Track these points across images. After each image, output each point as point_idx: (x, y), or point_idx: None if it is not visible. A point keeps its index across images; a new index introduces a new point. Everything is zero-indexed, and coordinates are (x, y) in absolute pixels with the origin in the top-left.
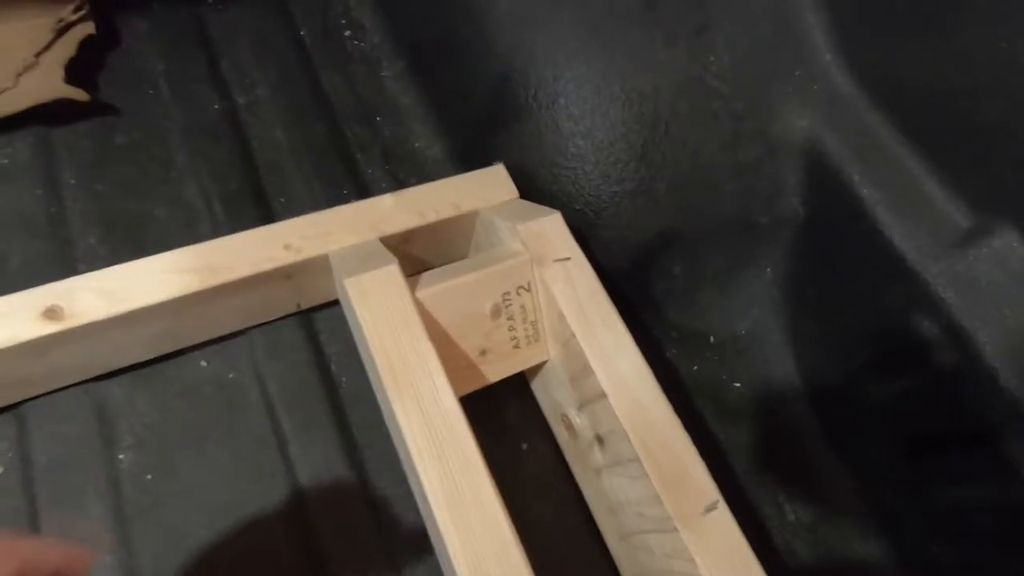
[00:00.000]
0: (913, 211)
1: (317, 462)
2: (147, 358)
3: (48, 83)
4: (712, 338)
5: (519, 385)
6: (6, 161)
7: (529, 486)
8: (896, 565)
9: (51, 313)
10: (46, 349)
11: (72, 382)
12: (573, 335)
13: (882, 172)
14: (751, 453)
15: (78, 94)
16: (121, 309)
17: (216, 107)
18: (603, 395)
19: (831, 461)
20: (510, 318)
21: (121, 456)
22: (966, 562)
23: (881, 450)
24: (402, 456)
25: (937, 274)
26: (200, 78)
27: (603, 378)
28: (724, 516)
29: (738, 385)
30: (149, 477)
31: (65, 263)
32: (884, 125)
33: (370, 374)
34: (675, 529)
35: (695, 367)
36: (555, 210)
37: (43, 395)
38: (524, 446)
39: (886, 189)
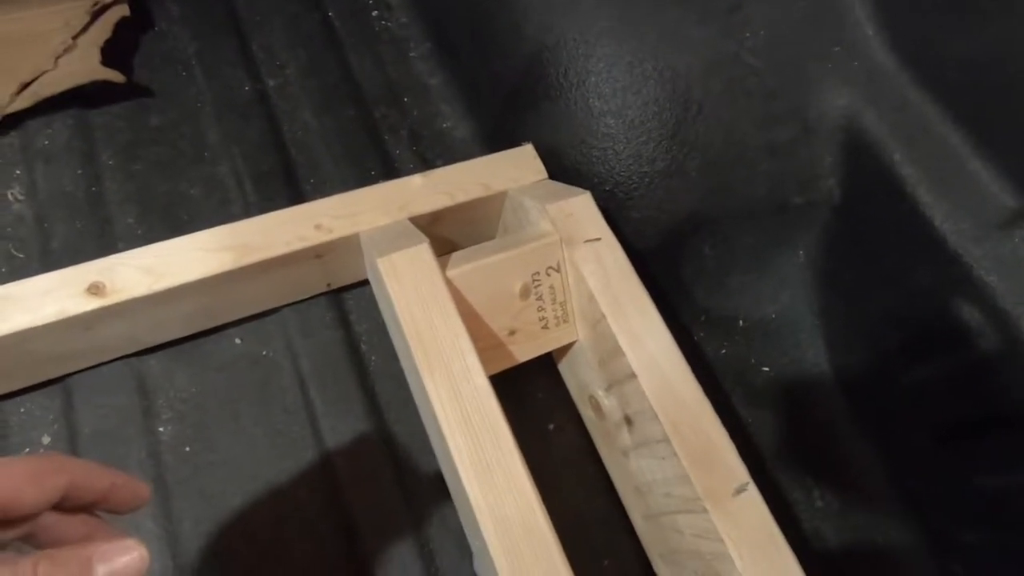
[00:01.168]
0: (956, 191)
1: (347, 436)
2: (185, 334)
3: (86, 65)
4: (741, 321)
5: (546, 366)
6: (47, 142)
7: (555, 466)
8: (926, 551)
9: (95, 289)
10: (91, 324)
11: (114, 356)
12: (603, 316)
13: (924, 151)
14: (779, 437)
15: (114, 76)
16: (161, 286)
17: (247, 88)
18: (633, 376)
19: (861, 446)
20: (539, 298)
21: (161, 428)
22: (997, 548)
23: (912, 435)
24: (431, 431)
25: (979, 256)
26: (231, 60)
27: (633, 359)
28: (754, 497)
29: (767, 369)
30: (188, 449)
31: (105, 241)
32: (927, 103)
33: (400, 352)
34: (704, 510)
35: (723, 350)
36: (585, 190)
37: (87, 369)
38: (551, 426)
39: (928, 169)
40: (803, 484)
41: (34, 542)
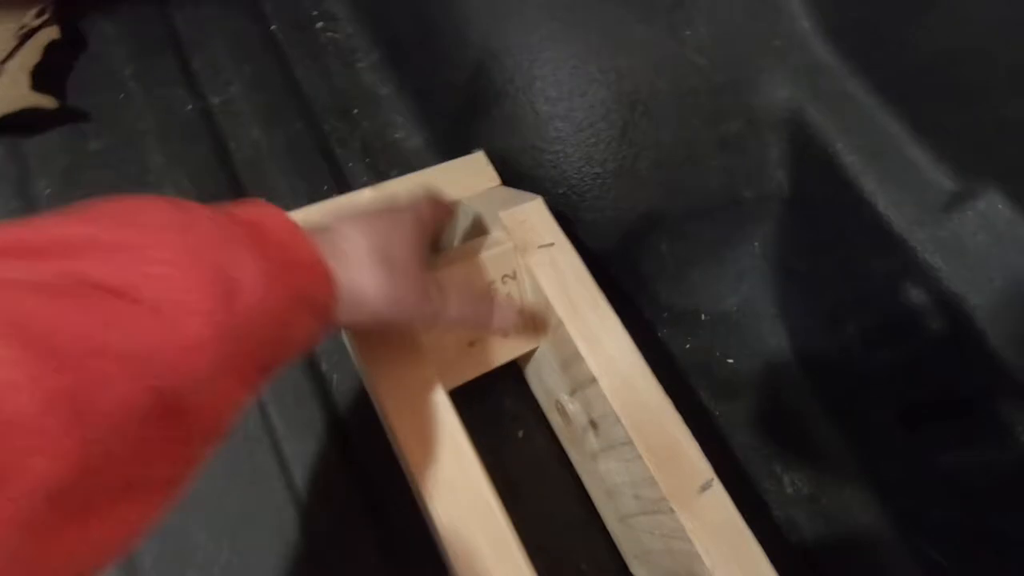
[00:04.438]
0: (897, 178)
1: (311, 461)
2: None
3: (14, 92)
4: (703, 315)
5: (513, 373)
6: None
7: (527, 473)
8: (895, 531)
9: None
10: None
11: None
12: (561, 321)
13: (865, 140)
14: (748, 428)
15: (46, 101)
16: None
17: (190, 107)
18: (594, 380)
19: (828, 432)
20: None
21: None
22: (964, 525)
23: (877, 418)
24: (396, 450)
25: (924, 240)
26: (172, 79)
27: (592, 363)
28: (719, 494)
29: (731, 361)
30: None
31: None
32: (865, 92)
33: (360, 369)
34: (671, 510)
35: (688, 345)
36: (537, 195)
37: None
38: (520, 433)
39: (870, 157)
40: (773, 473)
41: None
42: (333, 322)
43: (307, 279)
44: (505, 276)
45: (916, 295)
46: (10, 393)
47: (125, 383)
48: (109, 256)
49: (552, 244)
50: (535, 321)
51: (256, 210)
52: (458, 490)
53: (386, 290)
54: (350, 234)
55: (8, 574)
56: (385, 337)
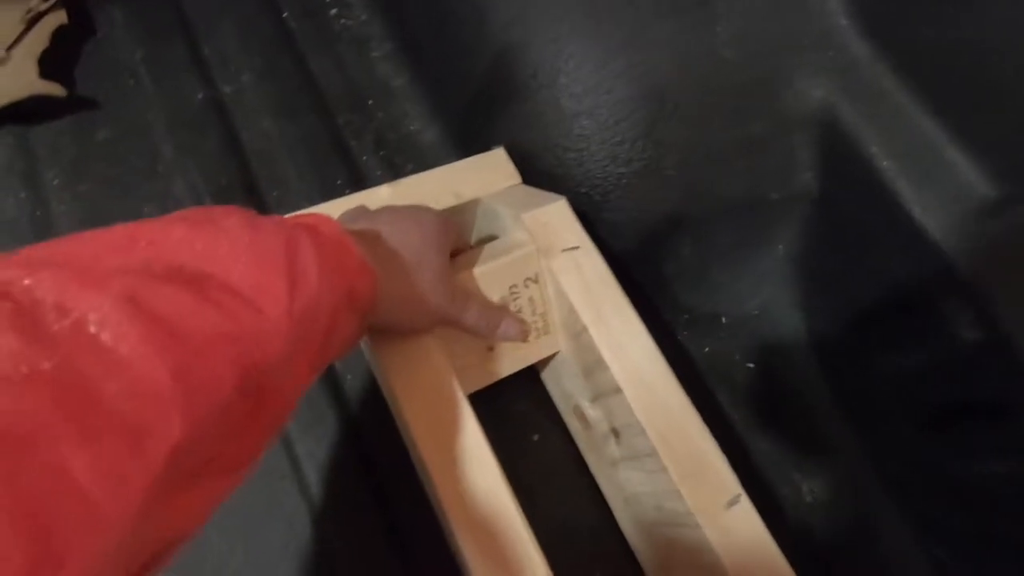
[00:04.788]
0: (935, 182)
1: (324, 461)
2: None
3: (22, 79)
4: (724, 318)
5: (528, 375)
6: None
7: (542, 477)
8: (914, 539)
9: None
10: None
11: None
12: (585, 328)
13: (902, 142)
14: (767, 433)
15: (55, 89)
16: None
17: (200, 96)
18: (618, 389)
19: (848, 438)
20: (518, 311)
21: None
22: (984, 534)
23: (898, 425)
24: (412, 453)
25: (960, 247)
26: (182, 66)
27: (617, 372)
28: (746, 509)
29: (751, 365)
30: None
31: None
32: (904, 92)
33: (376, 372)
34: (697, 525)
35: (707, 348)
36: (560, 196)
37: None
38: (535, 437)
39: (906, 160)
40: (791, 480)
41: None
42: (368, 322)
43: (355, 280)
44: (527, 279)
45: (948, 302)
46: (146, 362)
47: (226, 361)
48: (195, 250)
49: (577, 247)
50: (547, 331)
51: (312, 216)
52: (477, 495)
53: (419, 295)
54: (387, 240)
55: (134, 532)
56: (403, 341)
